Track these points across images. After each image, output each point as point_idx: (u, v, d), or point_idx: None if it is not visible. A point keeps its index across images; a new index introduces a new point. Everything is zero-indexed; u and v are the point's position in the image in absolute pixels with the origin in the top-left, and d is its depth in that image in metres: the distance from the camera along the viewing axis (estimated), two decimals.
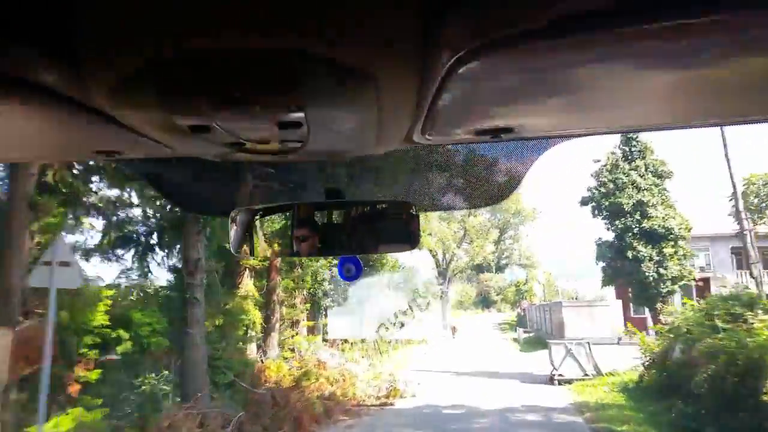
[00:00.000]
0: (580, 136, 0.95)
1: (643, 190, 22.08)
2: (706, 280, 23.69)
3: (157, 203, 9.08)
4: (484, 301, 79.81)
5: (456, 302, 74.30)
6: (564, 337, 21.93)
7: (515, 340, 35.28)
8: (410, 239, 1.26)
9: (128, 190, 8.83)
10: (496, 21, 0.53)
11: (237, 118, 0.73)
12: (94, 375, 7.43)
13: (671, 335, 12.49)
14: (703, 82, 0.67)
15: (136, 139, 0.83)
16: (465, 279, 79.54)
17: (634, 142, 23.04)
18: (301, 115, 0.71)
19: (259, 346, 11.78)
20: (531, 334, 35.19)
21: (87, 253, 9.15)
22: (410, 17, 0.53)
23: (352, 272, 1.51)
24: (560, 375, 15.15)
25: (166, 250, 9.90)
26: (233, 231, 1.32)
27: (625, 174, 22.61)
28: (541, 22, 0.51)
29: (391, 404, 12.47)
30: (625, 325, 26.62)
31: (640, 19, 0.50)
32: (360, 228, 1.29)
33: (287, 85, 0.65)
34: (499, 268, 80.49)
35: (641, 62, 0.61)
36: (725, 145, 14.98)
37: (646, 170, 22.74)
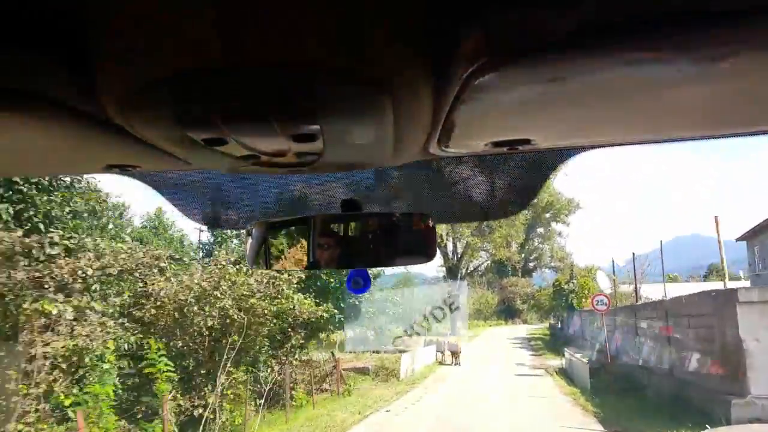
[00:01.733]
0: (598, 147, 0.96)
1: None
2: None
3: None
4: (508, 311, 66.07)
5: (474, 311, 60.14)
6: (748, 393, 9.86)
7: (564, 374, 19.89)
8: (427, 251, 1.30)
9: None
10: (513, 33, 0.53)
11: (252, 131, 0.74)
12: None
13: None
14: (724, 92, 0.67)
15: (150, 152, 0.83)
16: (485, 284, 65.46)
17: None
18: (316, 127, 0.72)
19: None
20: (599, 361, 18.92)
21: None
22: (427, 29, 0.54)
23: (360, 285, 1.52)
24: None
25: None
26: (249, 244, 1.35)
27: None
28: (558, 33, 0.52)
29: None
30: None
31: (657, 30, 0.51)
32: (377, 240, 1.32)
33: (303, 98, 0.65)
34: (526, 272, 66.51)
35: (659, 73, 0.60)
36: None
37: None
